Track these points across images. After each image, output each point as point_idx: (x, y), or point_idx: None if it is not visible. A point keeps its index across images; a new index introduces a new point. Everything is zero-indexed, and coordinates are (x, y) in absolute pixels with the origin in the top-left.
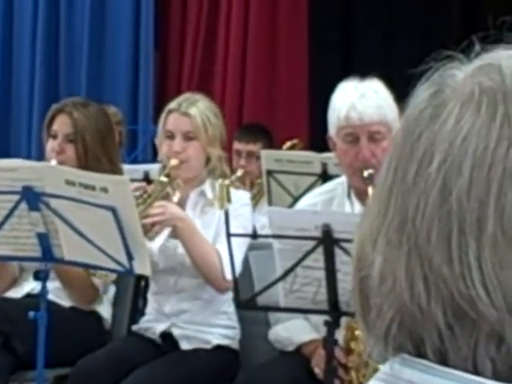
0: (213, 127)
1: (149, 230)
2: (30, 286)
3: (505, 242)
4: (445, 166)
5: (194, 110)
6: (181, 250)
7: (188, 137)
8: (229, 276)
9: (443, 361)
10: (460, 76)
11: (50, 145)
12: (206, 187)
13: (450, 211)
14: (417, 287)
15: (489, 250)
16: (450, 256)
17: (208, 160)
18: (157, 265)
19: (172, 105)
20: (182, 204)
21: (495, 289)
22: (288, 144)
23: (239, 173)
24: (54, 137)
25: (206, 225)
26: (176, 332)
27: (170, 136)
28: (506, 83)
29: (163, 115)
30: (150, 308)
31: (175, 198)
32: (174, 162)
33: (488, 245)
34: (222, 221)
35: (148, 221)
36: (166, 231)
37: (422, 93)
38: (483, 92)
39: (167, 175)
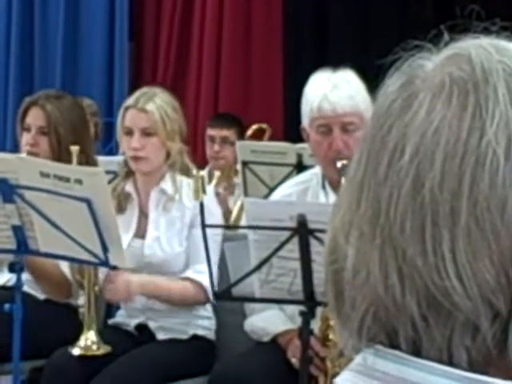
0: (171, 121)
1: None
2: (5, 277)
3: (478, 232)
4: (417, 158)
5: (151, 106)
6: (147, 251)
7: (146, 133)
8: (208, 297)
9: (417, 352)
10: (429, 66)
11: (24, 138)
12: (166, 183)
13: (423, 203)
14: (391, 279)
15: (463, 242)
16: (424, 248)
17: (168, 154)
18: (124, 265)
19: (129, 101)
20: (144, 205)
21: (469, 280)
22: (254, 127)
23: (216, 173)
24: (28, 130)
25: (170, 222)
26: (152, 324)
27: (129, 132)
28: (475, 73)
29: (121, 111)
30: (124, 304)
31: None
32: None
33: (462, 236)
34: (196, 236)
35: (108, 297)
36: (131, 232)
37: (391, 84)
38: (454, 82)
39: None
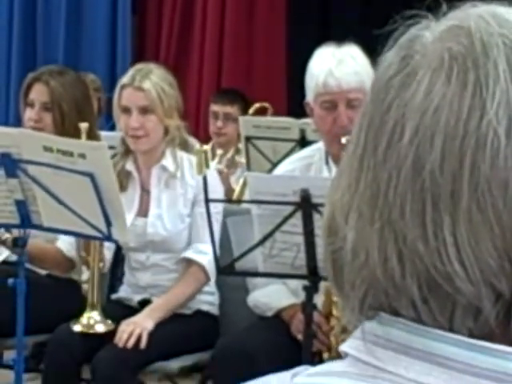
0: (168, 98)
1: None
2: (7, 252)
3: (480, 215)
4: (416, 139)
5: (147, 84)
6: (150, 229)
7: (145, 111)
8: (209, 277)
9: None
10: (429, 38)
11: (28, 113)
12: (167, 160)
13: (423, 186)
14: (390, 262)
15: (464, 225)
16: (425, 232)
17: (166, 131)
18: (127, 243)
19: (125, 79)
20: (145, 183)
21: (472, 264)
22: (256, 106)
23: (219, 151)
24: (32, 105)
25: (172, 199)
26: (155, 300)
27: (126, 110)
28: (475, 47)
29: (117, 90)
30: (126, 281)
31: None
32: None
33: (463, 219)
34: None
35: (123, 343)
36: (133, 211)
37: (390, 57)
38: (453, 58)
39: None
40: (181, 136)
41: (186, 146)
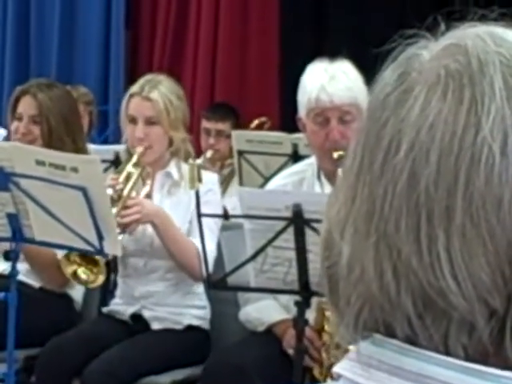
0: (175, 110)
1: (126, 227)
2: (1, 267)
3: (474, 231)
4: (412, 155)
5: (155, 95)
6: (149, 232)
7: (150, 122)
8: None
9: (414, 345)
10: (426, 57)
11: (15, 126)
12: (172, 168)
13: (418, 201)
14: (386, 277)
15: (458, 241)
16: (419, 247)
17: (171, 142)
18: (126, 248)
19: (134, 88)
20: (149, 187)
21: (465, 279)
22: (256, 122)
23: (208, 154)
24: (20, 119)
25: (174, 206)
26: (146, 314)
27: (133, 120)
28: (471, 65)
29: (125, 98)
30: (120, 291)
31: (146, 189)
32: (139, 149)
33: (457, 235)
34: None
35: (126, 220)
36: None
37: (387, 75)
38: (449, 75)
39: (136, 164)
40: (185, 148)
41: (189, 159)
